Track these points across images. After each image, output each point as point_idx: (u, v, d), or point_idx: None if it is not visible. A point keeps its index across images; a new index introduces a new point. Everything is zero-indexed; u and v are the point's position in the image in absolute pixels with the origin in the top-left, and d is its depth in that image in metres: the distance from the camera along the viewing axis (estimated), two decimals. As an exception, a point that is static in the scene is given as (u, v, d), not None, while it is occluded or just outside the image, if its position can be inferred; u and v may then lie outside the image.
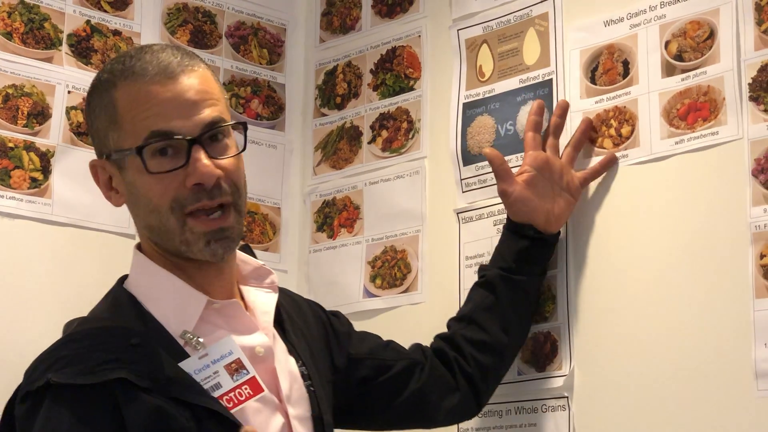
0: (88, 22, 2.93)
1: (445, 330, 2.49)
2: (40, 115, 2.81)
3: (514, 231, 2.45)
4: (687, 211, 2.44)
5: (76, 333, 1.70)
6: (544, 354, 2.62)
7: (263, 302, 1.85)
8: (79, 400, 1.59)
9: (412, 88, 3.07)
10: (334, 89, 3.26)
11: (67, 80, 2.87)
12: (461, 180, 2.87)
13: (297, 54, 3.35)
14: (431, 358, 2.34)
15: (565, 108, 2.54)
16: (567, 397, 2.57)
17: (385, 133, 3.10)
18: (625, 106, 2.57)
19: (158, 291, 1.76)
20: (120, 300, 1.77)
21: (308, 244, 3.22)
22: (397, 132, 3.07)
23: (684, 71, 2.49)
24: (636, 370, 2.47)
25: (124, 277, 1.85)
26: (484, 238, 2.79)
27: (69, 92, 2.86)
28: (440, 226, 2.92)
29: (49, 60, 2.85)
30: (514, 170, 2.69)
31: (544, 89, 2.74)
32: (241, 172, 1.80)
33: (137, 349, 1.63)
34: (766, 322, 2.28)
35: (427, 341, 2.83)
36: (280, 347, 1.86)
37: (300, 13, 3.36)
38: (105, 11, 2.97)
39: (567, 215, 2.50)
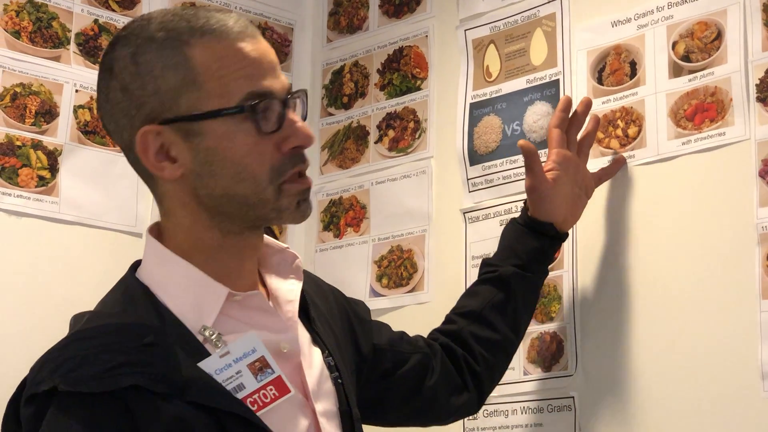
0: (96, 21, 2.94)
1: (445, 323, 2.38)
2: (47, 113, 2.81)
3: (533, 228, 2.34)
4: (694, 211, 2.44)
5: (85, 330, 1.54)
6: (550, 354, 2.62)
7: (288, 290, 1.70)
8: (87, 409, 1.44)
9: (419, 88, 3.07)
10: (341, 89, 3.26)
11: (74, 79, 2.87)
12: (468, 180, 2.87)
13: (304, 53, 3.35)
14: (441, 355, 2.24)
15: (588, 105, 2.48)
16: (573, 397, 2.57)
17: (391, 133, 3.10)
18: (632, 107, 2.57)
19: (174, 282, 1.60)
20: (132, 291, 1.61)
21: (314, 243, 3.22)
22: (403, 132, 3.07)
23: (691, 72, 2.49)
24: (641, 370, 2.47)
25: (137, 264, 1.69)
26: (491, 238, 2.79)
27: (77, 91, 2.87)
28: (447, 226, 2.92)
29: (56, 59, 2.86)
30: (522, 170, 2.69)
31: (551, 89, 2.74)
32: None
33: (151, 349, 1.48)
34: (772, 323, 2.28)
35: (433, 341, 2.83)
36: (305, 338, 1.72)
37: (307, 13, 3.37)
38: (113, 10, 2.97)
39: (580, 215, 2.46)
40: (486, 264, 2.39)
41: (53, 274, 2.75)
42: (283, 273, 1.72)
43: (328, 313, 1.88)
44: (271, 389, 1.55)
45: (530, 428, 2.64)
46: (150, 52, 1.57)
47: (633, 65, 2.59)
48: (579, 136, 2.48)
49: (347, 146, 3.20)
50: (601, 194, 2.60)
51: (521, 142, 2.38)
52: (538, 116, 2.76)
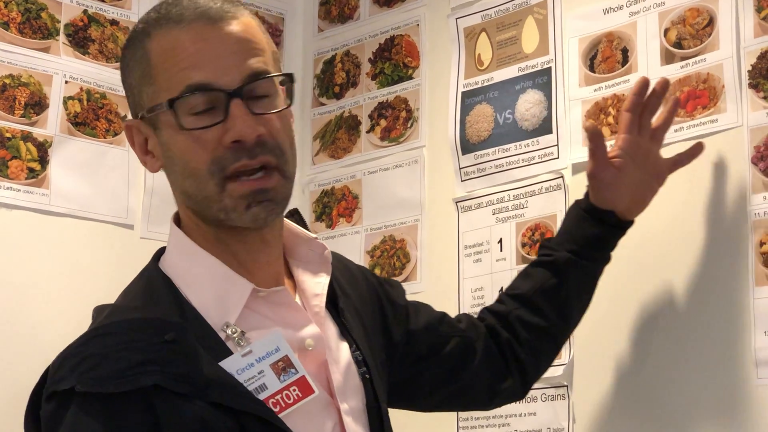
0: (85, 11, 2.92)
1: (497, 302, 2.23)
2: (37, 105, 2.80)
3: (593, 215, 2.19)
4: (686, 199, 2.44)
5: (106, 326, 1.49)
6: (544, 343, 2.61)
7: (315, 283, 1.64)
8: (108, 409, 1.40)
9: (410, 77, 3.06)
10: (332, 78, 3.25)
11: (64, 70, 2.86)
12: (460, 169, 2.86)
13: (295, 43, 3.34)
14: (485, 338, 2.10)
15: (666, 85, 2.25)
16: (566, 386, 2.56)
17: (383, 122, 3.09)
18: (624, 94, 2.56)
19: (197, 275, 1.56)
20: (155, 284, 1.57)
21: (307, 233, 3.20)
22: (395, 121, 3.06)
23: (683, 59, 2.48)
24: (635, 358, 2.47)
25: (161, 252, 1.65)
26: (483, 227, 2.79)
27: (66, 82, 2.85)
28: (439, 215, 2.91)
29: (46, 50, 2.84)
30: (514, 159, 2.68)
31: (543, 77, 2.73)
32: (286, 130, 1.57)
33: (173, 347, 1.44)
34: (765, 310, 2.27)
35: (426, 331, 2.82)
36: (332, 331, 1.66)
37: (298, 3, 3.35)
38: (102, 0, 2.96)
39: (649, 202, 2.28)
40: (544, 246, 2.24)
41: (44, 265, 2.74)
42: (311, 264, 1.66)
43: (358, 300, 1.80)
44: (294, 390, 1.50)
45: (524, 417, 2.63)
46: (129, 46, 1.58)
47: (625, 52, 2.58)
48: (654, 120, 2.28)
49: (339, 136, 3.19)
50: (593, 182, 2.60)
51: (587, 124, 2.21)
52: (530, 104, 2.75)
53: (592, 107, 2.61)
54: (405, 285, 2.90)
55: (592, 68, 2.63)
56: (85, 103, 2.87)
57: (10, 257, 2.71)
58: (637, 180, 2.22)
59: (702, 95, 2.43)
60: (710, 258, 2.38)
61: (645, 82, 2.22)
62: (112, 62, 2.93)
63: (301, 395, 1.51)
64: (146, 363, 1.42)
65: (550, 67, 2.72)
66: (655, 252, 2.47)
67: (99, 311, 1.58)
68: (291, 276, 1.67)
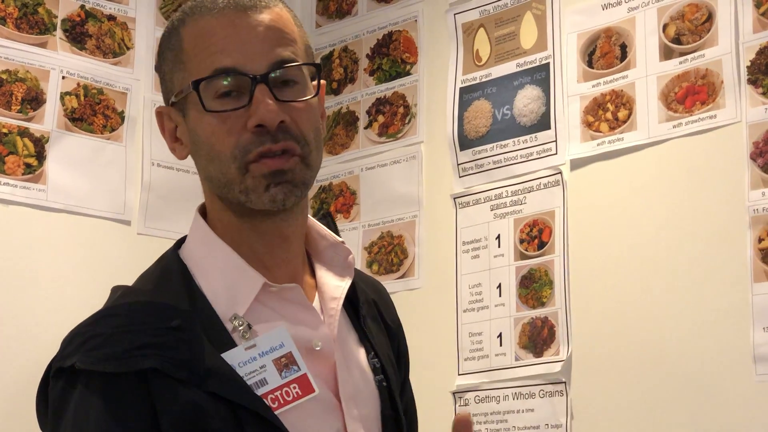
0: (82, 6, 2.91)
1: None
2: (34, 100, 2.79)
3: None
4: (685, 195, 2.43)
5: (116, 307, 1.50)
6: (542, 339, 2.61)
7: (335, 286, 1.61)
8: (109, 388, 1.42)
9: (408, 73, 3.05)
10: (330, 74, 3.24)
11: (61, 65, 2.85)
12: (458, 165, 2.86)
13: (293, 39, 3.33)
14: None
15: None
16: (564, 382, 2.56)
17: (381, 118, 3.08)
18: (622, 90, 2.56)
19: (212, 264, 1.55)
20: (170, 269, 1.57)
21: (305, 229, 3.20)
22: (393, 117, 3.05)
23: (682, 54, 2.47)
24: (634, 354, 2.46)
25: (182, 240, 1.63)
26: (481, 223, 2.78)
27: (63, 77, 2.85)
28: (437, 211, 2.91)
29: (43, 45, 2.83)
30: (512, 154, 2.69)
31: (541, 73, 2.73)
32: (312, 120, 1.56)
33: (176, 333, 1.45)
34: (764, 307, 2.27)
35: (424, 326, 2.82)
36: (350, 337, 1.63)
37: (296, -2, 3.35)
38: (99, -4, 2.95)
39: None
40: None
41: (41, 261, 2.73)
42: (334, 268, 1.63)
43: (387, 314, 1.75)
44: (294, 387, 1.48)
45: (522, 413, 2.63)
46: (166, 36, 1.59)
47: (623, 48, 2.58)
48: None
49: (337, 132, 3.18)
50: (591, 178, 2.59)
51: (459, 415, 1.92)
52: (528, 100, 2.74)
53: (591, 103, 2.61)
54: (403, 281, 2.92)
55: (590, 64, 2.63)
56: (82, 98, 2.86)
57: (7, 253, 2.70)
58: None
59: (701, 91, 2.43)
60: (709, 254, 2.38)
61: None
62: (110, 57, 2.93)
63: (301, 393, 1.48)
64: (147, 347, 1.43)
65: (548, 63, 2.72)
66: (654, 248, 2.46)
67: (114, 291, 1.58)
68: (314, 277, 1.64)
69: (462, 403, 2.72)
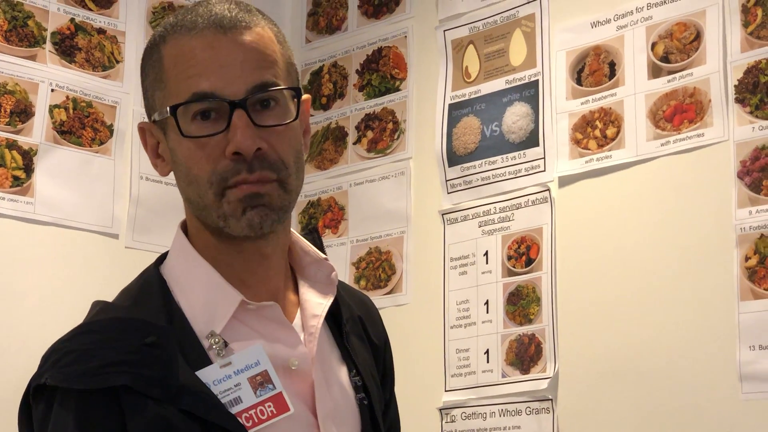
0: (72, 20, 2.91)
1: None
2: (22, 113, 2.79)
3: None
4: (672, 212, 2.44)
5: (92, 323, 1.50)
6: (529, 356, 2.61)
7: (317, 303, 1.60)
8: (81, 405, 1.42)
9: (397, 89, 3.06)
10: (319, 89, 3.24)
11: (50, 78, 2.85)
12: (446, 181, 2.86)
13: (283, 54, 3.33)
14: None
15: None
16: (551, 400, 2.56)
17: (370, 134, 3.08)
18: (611, 108, 2.57)
19: (191, 281, 1.55)
20: (150, 285, 1.56)
21: (293, 244, 3.20)
22: (382, 132, 3.06)
23: (670, 73, 2.48)
24: (620, 372, 2.46)
25: (165, 255, 1.63)
26: (469, 240, 2.78)
27: (52, 90, 2.84)
28: (425, 228, 2.91)
29: (32, 58, 2.83)
30: (501, 171, 2.69)
31: (530, 90, 2.73)
32: (291, 145, 1.53)
33: (151, 350, 1.44)
34: (750, 325, 2.27)
35: (411, 342, 2.82)
36: (332, 354, 1.62)
37: (286, 13, 3.35)
38: (89, 9, 2.95)
39: None
40: None
41: (28, 274, 2.73)
42: (317, 284, 1.62)
43: (374, 331, 1.73)
44: (269, 406, 1.47)
45: (509, 430, 2.62)
46: (147, 51, 1.57)
47: (612, 66, 2.59)
48: None
49: (326, 147, 3.18)
50: (579, 196, 2.60)
51: None
52: (517, 117, 2.75)
53: (579, 120, 2.61)
54: (390, 297, 2.92)
55: (579, 81, 2.64)
56: (71, 111, 2.86)
57: (-6, 266, 2.70)
58: None
59: (689, 109, 2.43)
60: (696, 272, 2.38)
61: None
62: (99, 71, 2.93)
63: (275, 412, 1.47)
64: (120, 363, 1.42)
65: (537, 80, 2.72)
66: (640, 265, 2.47)
67: (94, 305, 1.58)
68: (297, 294, 1.63)
69: (448, 420, 2.72)
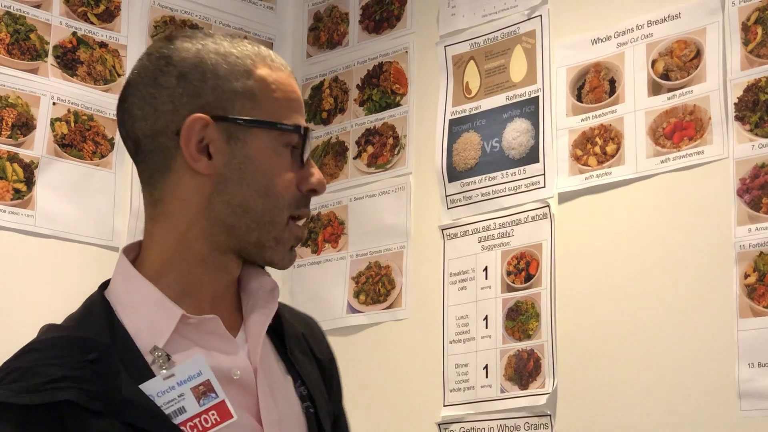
0: (74, 33, 2.92)
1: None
2: (24, 126, 2.79)
3: None
4: (672, 230, 2.44)
5: (37, 342, 1.55)
6: (527, 372, 2.61)
7: (259, 316, 1.65)
8: (24, 421, 1.46)
9: (398, 104, 3.06)
10: (320, 104, 3.25)
11: (52, 91, 2.85)
12: (446, 196, 2.87)
13: (283, 68, 3.34)
14: None
15: None
16: (550, 415, 2.56)
17: (370, 149, 3.09)
18: (611, 124, 2.57)
19: (133, 300, 1.60)
20: (93, 307, 1.61)
21: (292, 259, 3.20)
22: (382, 148, 3.06)
23: (670, 90, 2.49)
24: (619, 388, 2.47)
25: (107, 282, 1.67)
26: (468, 255, 2.79)
27: (54, 104, 2.85)
28: (425, 243, 2.91)
29: (34, 71, 2.84)
30: (501, 187, 2.70)
31: (530, 106, 2.74)
32: None
33: (94, 366, 1.49)
34: (749, 342, 2.28)
35: (410, 357, 2.83)
36: (278, 366, 1.68)
37: (287, 28, 3.36)
38: (92, 23, 2.96)
39: None
40: None
41: (29, 286, 2.73)
42: (259, 299, 1.67)
43: (318, 349, 1.79)
44: (213, 414, 1.52)
45: (507, 446, 2.63)
46: (216, 54, 1.61)
47: (612, 83, 2.59)
48: None
49: (326, 162, 3.19)
50: (579, 212, 2.60)
51: None
52: (517, 133, 2.75)
53: (579, 137, 2.62)
54: (390, 312, 2.92)
55: (579, 98, 2.64)
56: (72, 124, 2.86)
57: (-6, 278, 2.70)
58: None
59: (688, 127, 2.44)
60: (695, 290, 2.39)
61: None
62: (101, 84, 2.93)
63: (219, 420, 1.51)
64: (65, 379, 1.46)
65: (537, 96, 2.73)
66: (640, 282, 2.47)
67: (41, 329, 1.62)
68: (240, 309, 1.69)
69: (447, 435, 2.73)
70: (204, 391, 1.52)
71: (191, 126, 1.57)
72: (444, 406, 2.77)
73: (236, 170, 1.57)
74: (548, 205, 2.66)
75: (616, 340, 2.49)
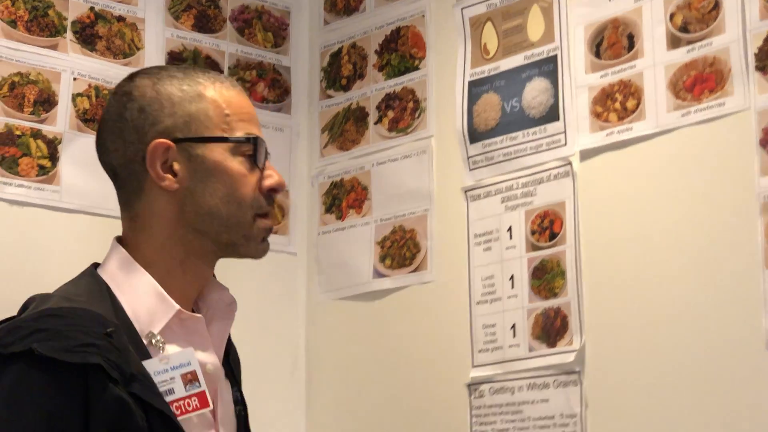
0: (92, 8, 2.93)
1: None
2: (46, 102, 2.81)
3: None
4: (695, 183, 2.44)
5: (57, 309, 1.71)
6: (555, 330, 2.62)
7: (222, 325, 1.91)
8: (52, 374, 1.62)
9: (417, 68, 3.06)
10: (339, 71, 3.25)
11: (72, 67, 2.87)
12: (468, 158, 2.87)
13: (301, 37, 3.35)
14: None
15: None
16: (578, 372, 2.57)
17: (391, 114, 3.10)
18: (630, 80, 2.57)
19: (134, 288, 1.81)
20: (97, 287, 1.80)
21: (317, 225, 3.22)
22: (403, 112, 3.07)
23: (689, 43, 2.48)
24: (647, 343, 2.47)
25: (96, 265, 1.89)
26: (492, 216, 2.79)
27: (75, 79, 2.86)
28: (448, 205, 2.92)
29: (53, 47, 2.85)
30: (522, 147, 2.71)
31: (549, 65, 2.74)
32: None
33: (110, 339, 1.67)
34: (776, 292, 2.28)
35: (437, 319, 2.84)
36: (221, 370, 1.92)
37: (303, -4, 3.36)
38: (109, -2, 2.97)
39: None
40: None
41: (57, 262, 2.75)
42: (218, 310, 1.90)
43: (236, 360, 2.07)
44: (194, 400, 1.76)
45: (537, 404, 2.64)
46: (171, 84, 1.83)
47: (631, 38, 2.59)
48: None
49: (347, 128, 3.19)
50: (601, 169, 2.60)
51: None
52: (536, 92, 2.75)
53: (599, 93, 2.62)
54: (416, 275, 2.94)
55: (598, 55, 2.64)
56: (93, 99, 2.88)
57: (21, 254, 2.72)
58: None
59: (709, 79, 2.44)
60: (719, 242, 2.39)
61: None
62: (120, 58, 2.95)
63: (198, 405, 1.75)
64: (91, 346, 1.64)
65: (556, 55, 2.73)
66: (664, 236, 2.47)
67: (41, 299, 1.79)
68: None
69: (477, 395, 2.74)
70: (191, 379, 1.76)
71: (153, 151, 1.79)
72: (473, 366, 2.78)
73: (199, 183, 1.80)
74: (570, 163, 2.66)
75: (641, 294, 2.50)
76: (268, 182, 1.82)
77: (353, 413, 3.04)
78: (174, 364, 1.75)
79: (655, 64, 2.53)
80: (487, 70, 2.87)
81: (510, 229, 2.76)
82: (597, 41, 2.65)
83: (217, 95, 1.83)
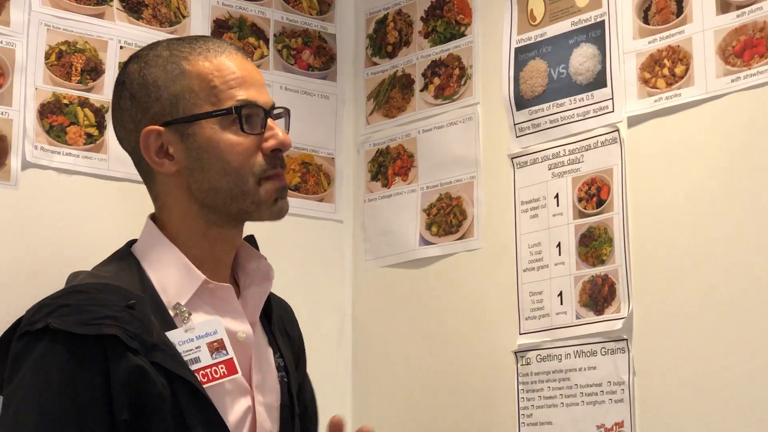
0: (138, -23, 2.94)
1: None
2: (93, 71, 2.82)
3: None
4: (743, 148, 2.42)
5: (81, 285, 1.78)
6: (602, 297, 2.62)
7: (255, 293, 1.94)
8: (73, 346, 1.69)
9: (463, 35, 3.05)
10: (384, 38, 3.25)
11: (119, 35, 2.88)
12: (515, 125, 2.86)
13: (347, 3, 3.34)
14: None
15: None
16: (626, 340, 2.56)
17: (437, 81, 3.09)
18: (678, 45, 2.55)
19: (162, 262, 1.86)
20: (126, 262, 1.88)
21: (363, 193, 3.22)
22: (449, 79, 3.06)
23: (739, 7, 2.46)
24: (695, 309, 2.46)
25: (133, 242, 1.95)
26: (539, 183, 2.79)
27: (121, 47, 2.87)
28: (495, 172, 2.91)
29: (100, 16, 2.86)
30: (569, 113, 2.69)
31: (596, 31, 2.72)
32: None
33: (132, 312, 1.72)
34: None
35: (484, 287, 2.84)
36: (263, 338, 1.97)
37: (349, -37, 3.35)
38: (154, -34, 2.97)
39: None
40: None
41: (104, 229, 2.77)
42: (255, 278, 1.94)
43: (291, 329, 2.08)
44: (222, 367, 1.79)
45: (584, 371, 2.63)
46: (155, 66, 1.87)
47: (679, 3, 2.56)
48: None
49: (393, 95, 3.19)
50: (648, 135, 2.59)
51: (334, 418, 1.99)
52: (584, 58, 2.74)
53: (647, 59, 2.60)
54: (462, 242, 2.94)
55: (646, 20, 2.62)
56: (140, 68, 2.88)
57: (70, 222, 2.74)
58: None
59: (759, 44, 2.41)
60: (767, 209, 2.38)
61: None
62: (166, 26, 2.95)
63: (226, 373, 1.79)
64: (110, 318, 1.70)
65: (603, 21, 2.71)
66: (712, 202, 2.46)
67: (74, 275, 1.89)
68: (237, 282, 1.96)
69: (524, 363, 2.74)
70: (217, 347, 1.79)
71: (145, 139, 1.86)
72: (520, 334, 2.78)
73: (196, 161, 1.84)
74: (617, 130, 2.64)
75: (689, 261, 2.48)
76: (268, 144, 1.84)
77: (399, 381, 3.05)
78: (200, 333, 1.79)
79: (704, 29, 2.50)
80: (533, 36, 2.86)
81: (557, 196, 2.75)
82: (645, 6, 2.62)
83: (200, 68, 1.85)
